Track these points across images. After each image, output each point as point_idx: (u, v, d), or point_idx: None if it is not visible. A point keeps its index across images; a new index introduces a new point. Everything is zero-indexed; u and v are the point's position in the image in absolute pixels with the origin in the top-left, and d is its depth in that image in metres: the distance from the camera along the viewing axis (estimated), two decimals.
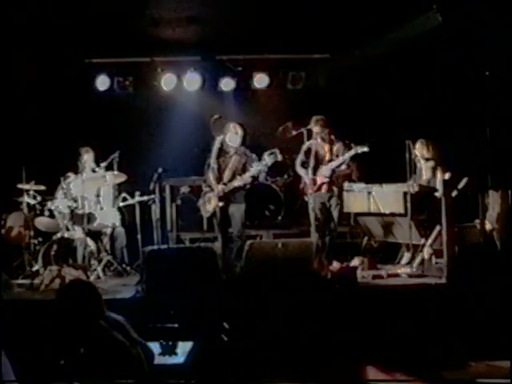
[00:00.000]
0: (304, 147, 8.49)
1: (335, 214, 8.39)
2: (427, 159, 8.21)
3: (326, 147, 8.37)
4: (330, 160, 8.33)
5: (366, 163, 9.73)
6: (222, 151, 8.06)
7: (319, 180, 8.28)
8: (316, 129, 8.38)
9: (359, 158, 9.76)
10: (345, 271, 7.62)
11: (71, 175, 8.63)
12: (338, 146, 8.38)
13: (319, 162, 8.35)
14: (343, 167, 8.36)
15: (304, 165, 8.47)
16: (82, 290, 4.05)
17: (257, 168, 7.82)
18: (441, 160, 8.15)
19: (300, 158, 8.50)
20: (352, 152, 8.24)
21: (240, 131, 8.06)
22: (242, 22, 8.85)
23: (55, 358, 3.89)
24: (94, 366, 3.67)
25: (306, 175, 8.40)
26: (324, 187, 8.29)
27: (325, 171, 8.30)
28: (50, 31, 8.65)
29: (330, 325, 6.38)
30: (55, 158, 9.29)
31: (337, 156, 8.33)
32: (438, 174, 8.06)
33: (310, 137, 8.45)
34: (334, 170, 8.31)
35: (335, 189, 8.37)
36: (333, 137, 8.39)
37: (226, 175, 7.99)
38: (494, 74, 7.56)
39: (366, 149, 8.18)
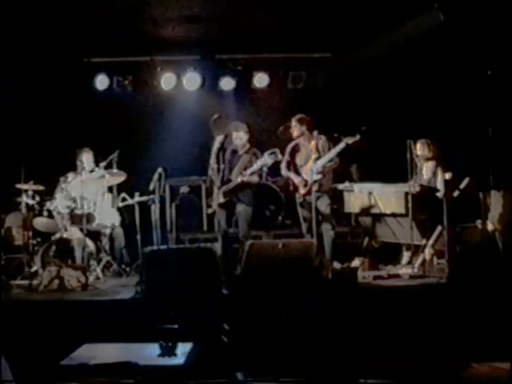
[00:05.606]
0: (288, 148, 8.43)
1: (326, 212, 8.19)
2: (428, 159, 8.18)
3: (310, 145, 8.26)
4: (318, 157, 8.19)
5: (367, 163, 9.73)
6: (227, 150, 8.10)
7: (310, 179, 8.06)
8: (296, 131, 8.32)
9: (359, 158, 9.78)
10: (346, 272, 7.59)
11: (70, 175, 8.60)
12: (322, 142, 8.22)
13: (306, 161, 8.28)
14: (332, 163, 8.14)
15: (290, 166, 8.42)
16: None
17: (258, 164, 7.83)
18: (441, 160, 8.12)
19: (285, 159, 8.40)
20: (341, 145, 7.99)
21: (243, 130, 8.12)
22: (242, 21, 8.82)
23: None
24: None
25: (294, 177, 8.33)
26: (315, 186, 8.13)
27: (315, 169, 8.11)
28: (48, 30, 8.63)
29: (330, 325, 6.35)
30: (54, 158, 9.27)
31: (323, 151, 8.16)
32: (439, 174, 8.04)
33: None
34: (323, 167, 8.14)
35: (325, 187, 8.26)
36: (315, 133, 8.22)
37: (234, 174, 8.05)
38: (496, 74, 7.53)
39: (356, 138, 7.94)
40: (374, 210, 8.20)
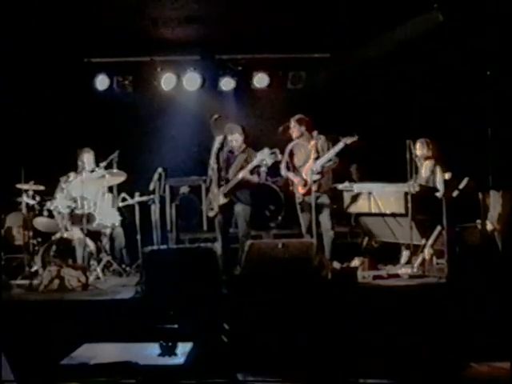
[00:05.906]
0: (287, 149, 8.43)
1: (326, 213, 8.17)
2: (427, 158, 8.19)
3: (310, 145, 8.27)
4: (317, 157, 8.17)
5: (366, 163, 9.73)
6: (223, 151, 8.10)
7: (310, 179, 8.05)
8: (295, 132, 8.33)
9: (359, 158, 9.79)
10: (345, 271, 7.59)
11: (71, 175, 8.61)
12: (321, 142, 8.20)
13: (305, 161, 8.28)
14: (331, 163, 8.13)
15: (289, 167, 8.41)
16: None
17: (258, 159, 7.83)
18: (440, 159, 8.12)
19: (285, 160, 8.39)
20: (340, 145, 7.98)
21: (237, 132, 8.13)
22: (242, 21, 8.82)
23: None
24: None
25: (294, 177, 8.33)
26: (315, 186, 8.11)
27: (314, 169, 8.08)
28: (49, 30, 8.63)
29: (330, 325, 6.35)
30: (54, 158, 9.27)
31: (322, 151, 8.14)
32: (438, 173, 8.04)
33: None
34: (323, 167, 8.12)
35: (324, 187, 8.26)
36: (315, 133, 8.22)
37: (231, 173, 8.05)
38: (496, 74, 7.53)
39: (354, 138, 7.93)
40: (374, 210, 8.20)
